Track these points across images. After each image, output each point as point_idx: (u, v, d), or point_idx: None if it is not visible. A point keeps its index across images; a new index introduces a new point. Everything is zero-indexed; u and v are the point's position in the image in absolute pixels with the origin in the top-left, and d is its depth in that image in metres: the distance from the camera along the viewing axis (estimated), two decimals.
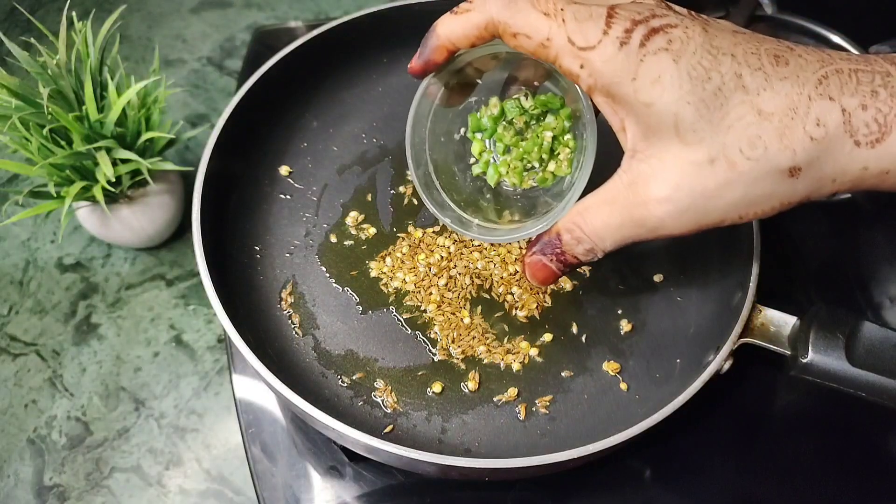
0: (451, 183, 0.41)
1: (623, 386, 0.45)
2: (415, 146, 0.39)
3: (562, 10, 0.30)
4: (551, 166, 0.38)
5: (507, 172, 0.40)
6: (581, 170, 0.35)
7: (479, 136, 0.40)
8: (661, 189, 0.30)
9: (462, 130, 0.41)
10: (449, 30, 0.34)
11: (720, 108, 0.29)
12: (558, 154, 0.38)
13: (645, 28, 0.29)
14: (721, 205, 0.30)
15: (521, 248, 0.49)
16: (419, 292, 0.47)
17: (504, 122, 0.39)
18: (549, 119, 0.38)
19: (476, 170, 0.41)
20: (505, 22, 0.31)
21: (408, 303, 0.47)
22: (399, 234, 0.50)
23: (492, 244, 0.49)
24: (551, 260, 0.36)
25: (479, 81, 0.40)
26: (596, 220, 0.33)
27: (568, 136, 0.38)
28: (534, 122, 0.39)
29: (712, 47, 0.29)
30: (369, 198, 0.52)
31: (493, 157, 0.40)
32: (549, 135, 0.38)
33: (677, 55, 0.29)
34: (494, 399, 0.44)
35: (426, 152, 0.40)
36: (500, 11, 0.31)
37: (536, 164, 0.39)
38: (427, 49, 0.35)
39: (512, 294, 0.48)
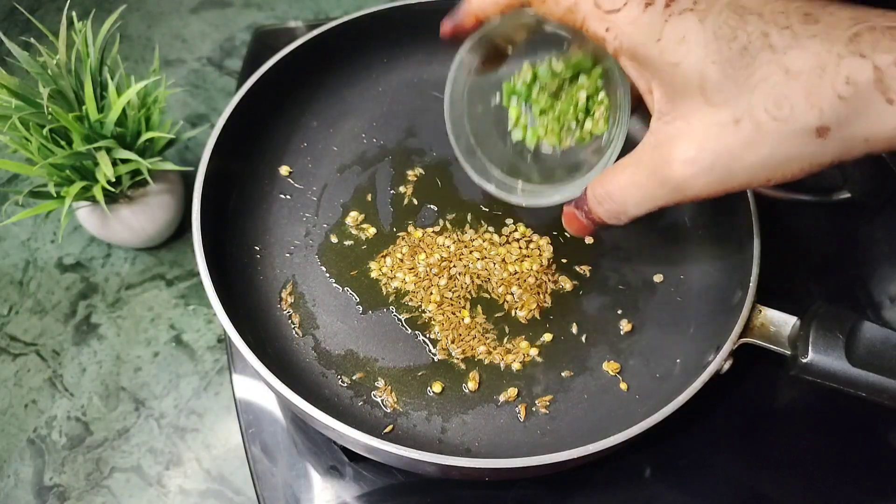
0: (492, 151, 0.42)
1: (623, 386, 0.45)
2: (454, 120, 0.40)
3: None
4: (588, 125, 0.39)
5: (546, 134, 0.40)
6: (619, 125, 0.36)
7: (514, 102, 0.41)
8: (687, 150, 0.30)
9: (498, 98, 0.42)
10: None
11: (746, 67, 0.28)
12: (594, 112, 0.39)
13: None
14: (746, 166, 0.29)
15: (520, 247, 0.49)
16: (419, 292, 0.47)
17: (538, 87, 0.40)
18: (582, 79, 0.39)
19: (516, 135, 0.41)
20: None
21: (408, 303, 0.47)
22: (399, 234, 0.50)
23: (492, 244, 0.49)
24: (582, 215, 0.36)
25: (509, 52, 0.41)
26: (620, 180, 0.33)
27: (602, 95, 0.39)
28: (567, 83, 0.39)
29: (739, 6, 0.28)
30: (369, 198, 0.52)
31: (530, 122, 0.41)
32: (583, 95, 0.39)
33: (703, 15, 0.28)
34: (494, 399, 0.44)
35: (465, 125, 0.41)
36: None
37: (573, 124, 0.40)
38: (458, 14, 0.36)
39: (512, 294, 0.48)
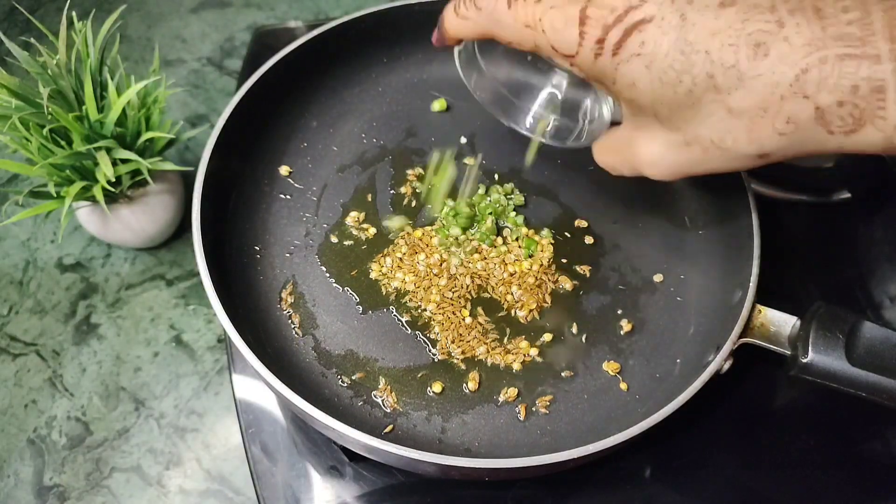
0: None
1: (623, 386, 0.45)
2: (475, 79, 0.44)
3: (540, 20, 0.33)
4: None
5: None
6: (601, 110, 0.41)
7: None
8: (651, 153, 0.35)
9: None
10: (454, 29, 0.38)
11: (692, 106, 0.31)
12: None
13: (618, 32, 0.31)
14: (700, 170, 0.34)
15: (520, 246, 0.49)
16: (419, 292, 0.47)
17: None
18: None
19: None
20: (497, 34, 0.35)
21: (408, 303, 0.47)
22: (399, 234, 0.50)
23: (492, 245, 0.49)
24: None
25: None
26: (605, 159, 0.40)
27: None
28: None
29: (686, 44, 0.29)
30: (369, 198, 0.52)
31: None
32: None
33: (649, 60, 0.30)
34: (494, 399, 0.44)
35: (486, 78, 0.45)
36: (490, 25, 0.35)
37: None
38: (440, 34, 0.40)
39: (512, 294, 0.48)
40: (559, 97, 0.44)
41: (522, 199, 0.52)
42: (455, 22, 0.37)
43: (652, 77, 0.31)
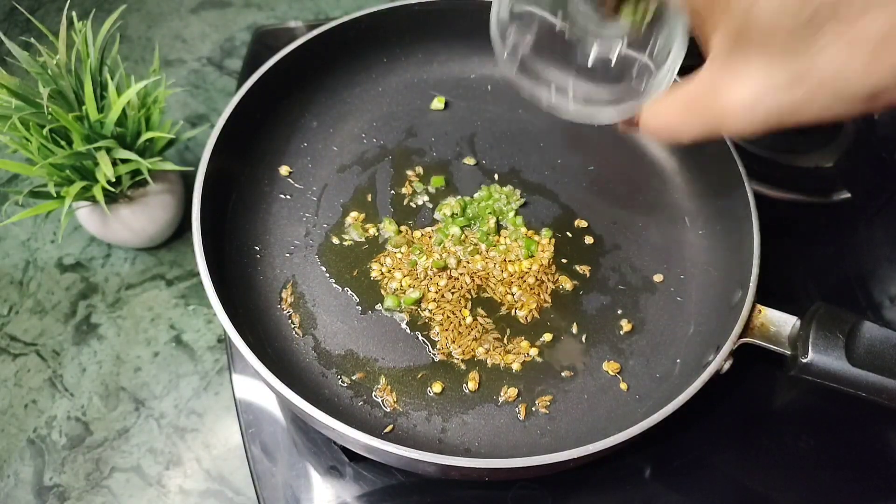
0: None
1: (623, 386, 0.45)
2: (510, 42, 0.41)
3: None
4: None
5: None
6: (674, 51, 0.38)
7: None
8: (741, 99, 0.31)
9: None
10: None
11: (809, 36, 0.28)
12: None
13: None
14: (793, 120, 0.31)
15: (519, 246, 0.49)
16: (419, 292, 0.47)
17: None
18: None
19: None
20: None
21: (408, 303, 0.47)
22: (399, 234, 0.50)
23: (492, 245, 0.49)
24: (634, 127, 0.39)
25: None
26: (668, 119, 0.36)
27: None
28: None
29: None
30: (369, 198, 0.52)
31: None
32: None
33: None
34: (494, 399, 0.44)
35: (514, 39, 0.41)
36: None
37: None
38: None
39: (512, 294, 0.48)
40: (606, 60, 0.41)
41: (522, 199, 0.52)
42: None
43: (772, 2, 0.28)
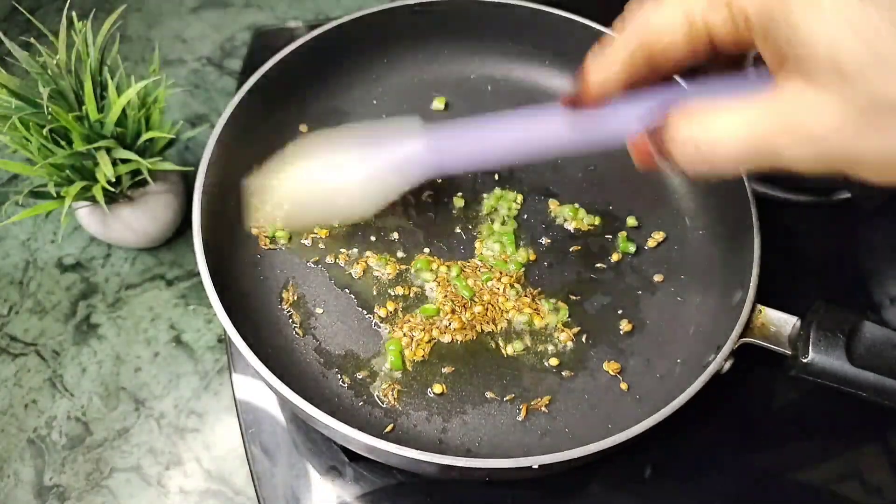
0: None
1: (623, 386, 0.45)
2: None
3: None
4: None
5: None
6: None
7: None
8: (819, 126, 0.27)
9: None
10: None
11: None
12: None
13: None
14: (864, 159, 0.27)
15: (518, 246, 0.49)
16: (419, 292, 0.47)
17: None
18: None
19: None
20: None
21: (408, 303, 0.47)
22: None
23: (487, 279, 0.49)
24: (654, 146, 0.32)
25: None
26: (719, 124, 0.29)
27: None
28: None
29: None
30: None
31: None
32: None
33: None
34: (495, 399, 0.44)
35: None
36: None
37: None
38: (579, 96, 0.35)
39: (511, 295, 0.47)
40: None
41: (522, 199, 0.51)
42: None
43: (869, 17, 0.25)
